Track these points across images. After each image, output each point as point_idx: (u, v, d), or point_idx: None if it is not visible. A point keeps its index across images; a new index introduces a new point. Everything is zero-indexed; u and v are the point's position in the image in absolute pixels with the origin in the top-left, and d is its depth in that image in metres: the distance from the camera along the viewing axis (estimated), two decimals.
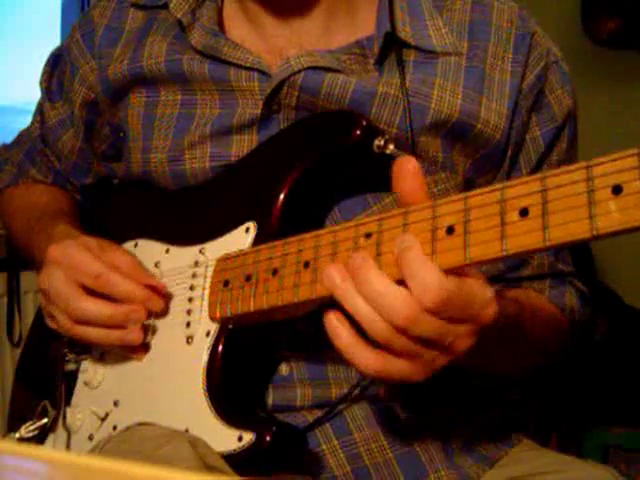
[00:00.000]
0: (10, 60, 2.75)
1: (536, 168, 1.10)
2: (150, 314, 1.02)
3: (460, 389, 1.08)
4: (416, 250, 0.76)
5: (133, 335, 1.01)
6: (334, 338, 0.80)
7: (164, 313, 1.03)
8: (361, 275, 0.77)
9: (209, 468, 0.87)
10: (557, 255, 1.14)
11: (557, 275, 1.14)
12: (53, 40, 2.61)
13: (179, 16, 1.11)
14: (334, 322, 0.80)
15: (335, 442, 1.01)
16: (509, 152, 1.08)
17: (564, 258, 1.16)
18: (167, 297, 1.03)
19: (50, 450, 1.06)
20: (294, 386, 1.01)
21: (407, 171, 0.80)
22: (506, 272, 1.12)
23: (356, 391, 1.00)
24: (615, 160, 0.66)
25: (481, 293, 0.77)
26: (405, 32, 1.05)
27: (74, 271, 1.00)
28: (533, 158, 1.10)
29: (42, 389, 1.16)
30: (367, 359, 0.79)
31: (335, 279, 0.79)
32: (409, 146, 1.03)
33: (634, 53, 2.76)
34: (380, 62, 1.05)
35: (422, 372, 0.80)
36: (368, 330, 0.78)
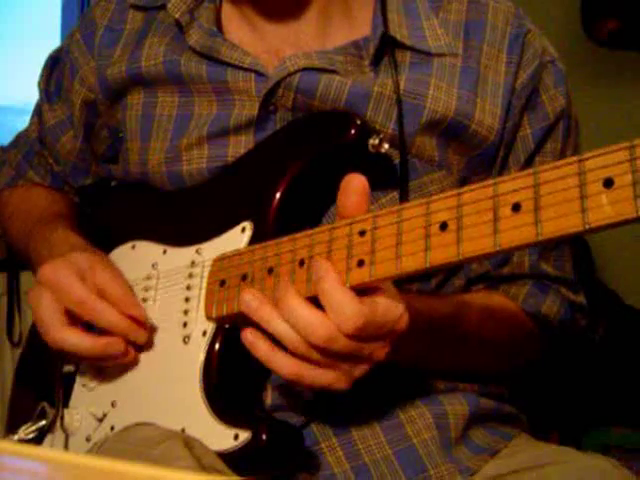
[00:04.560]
0: (10, 60, 2.75)
1: (524, 167, 1.09)
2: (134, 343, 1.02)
3: (454, 383, 1.09)
4: (330, 279, 0.82)
5: (119, 361, 1.02)
6: (253, 352, 0.87)
7: (160, 311, 1.03)
8: (283, 302, 0.84)
9: (205, 468, 0.87)
10: (542, 255, 1.14)
11: (540, 278, 1.14)
12: (53, 40, 2.61)
13: (177, 16, 1.11)
14: (250, 338, 0.87)
15: (334, 440, 1.01)
16: (501, 151, 1.08)
17: (557, 261, 1.16)
18: (151, 326, 1.03)
19: (49, 450, 1.06)
20: (291, 386, 1.01)
21: (353, 187, 0.84)
22: (491, 270, 1.13)
23: None
24: (606, 154, 0.66)
25: (393, 311, 0.83)
26: (401, 33, 1.06)
27: (60, 295, 1.00)
28: (521, 156, 1.10)
29: (41, 390, 1.16)
30: (284, 365, 0.86)
31: (251, 303, 0.87)
32: (406, 145, 1.03)
33: (634, 53, 2.76)
34: (376, 63, 1.06)
35: (343, 382, 0.86)
36: (288, 346, 0.85)
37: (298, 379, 0.86)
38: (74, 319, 1.01)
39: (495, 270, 1.12)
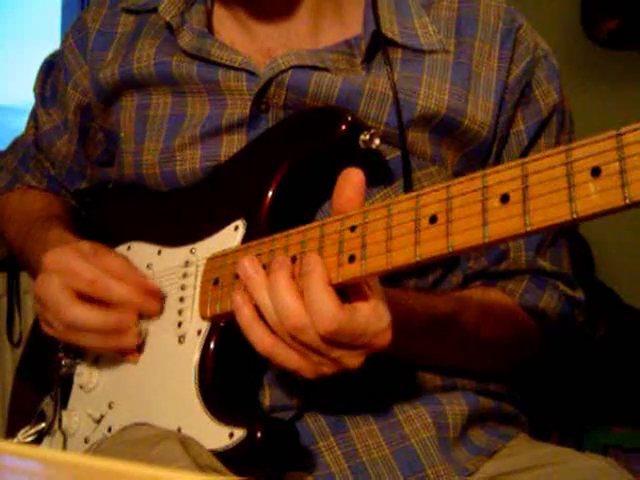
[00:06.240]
0: (10, 60, 2.76)
1: None
2: (142, 316, 1.03)
3: (453, 382, 1.09)
4: (317, 275, 0.82)
5: (128, 340, 1.01)
6: (237, 316, 0.88)
7: (157, 314, 1.04)
8: (272, 276, 0.84)
9: (202, 467, 0.87)
10: (539, 251, 1.13)
11: (537, 274, 1.14)
12: (53, 40, 2.61)
13: (168, 19, 1.11)
14: (238, 301, 0.88)
15: (332, 439, 1.01)
16: (495, 147, 1.08)
17: (554, 257, 1.16)
18: (162, 299, 1.04)
19: (49, 450, 1.06)
20: (290, 385, 1.01)
21: (350, 182, 0.84)
22: (489, 267, 1.13)
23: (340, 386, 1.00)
24: (593, 143, 0.66)
25: (374, 323, 0.82)
26: (392, 31, 1.06)
27: (69, 278, 1.00)
28: (516, 152, 1.10)
29: (41, 391, 1.17)
30: (260, 339, 0.86)
31: (248, 269, 0.87)
32: (398, 142, 1.03)
33: (634, 53, 2.76)
34: (367, 61, 1.06)
35: (309, 371, 0.87)
36: (266, 319, 0.85)
37: (270, 356, 0.86)
38: (84, 300, 1.01)
39: (492, 266, 1.12)
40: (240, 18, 1.11)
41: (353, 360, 0.85)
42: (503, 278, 1.13)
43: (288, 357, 0.86)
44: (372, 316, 0.82)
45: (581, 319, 1.19)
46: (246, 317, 0.87)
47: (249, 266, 0.87)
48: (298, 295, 0.82)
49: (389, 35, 1.06)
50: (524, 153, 1.10)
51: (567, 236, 1.18)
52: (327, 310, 0.80)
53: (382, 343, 0.83)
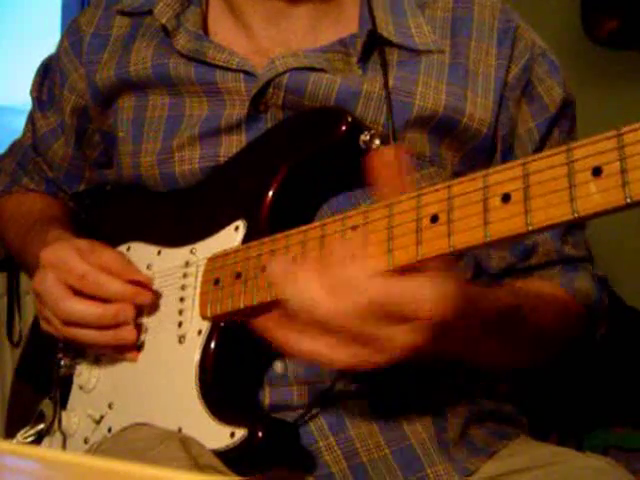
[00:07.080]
0: (10, 60, 2.76)
1: None
2: (141, 312, 1.03)
3: (453, 381, 1.08)
4: (340, 252, 0.78)
5: (126, 334, 1.02)
6: (266, 335, 0.83)
7: (155, 311, 1.04)
8: (299, 271, 0.79)
9: (202, 467, 0.87)
10: (563, 239, 1.12)
11: (568, 261, 1.12)
12: (53, 40, 2.61)
13: (163, 21, 1.12)
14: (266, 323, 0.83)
15: (331, 439, 1.01)
16: (499, 145, 1.08)
17: (575, 242, 1.14)
18: (156, 291, 1.04)
19: (49, 450, 1.06)
20: (290, 384, 1.01)
21: (385, 161, 0.81)
22: (517, 263, 1.11)
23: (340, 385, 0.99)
24: (594, 142, 0.66)
25: (418, 292, 0.76)
26: (387, 31, 1.06)
27: (63, 273, 1.01)
28: (529, 150, 1.09)
29: (41, 391, 1.17)
30: (300, 345, 0.81)
31: (279, 271, 0.81)
32: (396, 142, 1.03)
33: (634, 53, 2.76)
34: (363, 60, 1.06)
35: (361, 359, 0.80)
36: (299, 316, 0.80)
37: (315, 357, 0.81)
38: (79, 295, 1.01)
39: (522, 262, 1.11)
40: (239, 16, 1.12)
41: (405, 338, 0.77)
42: (537, 270, 1.11)
43: (332, 355, 0.80)
44: (413, 285, 0.76)
45: (607, 301, 1.17)
46: (282, 335, 0.83)
47: (280, 266, 0.82)
48: (322, 285, 0.78)
49: (385, 35, 1.06)
50: (538, 149, 1.09)
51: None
52: (356, 283, 0.76)
53: (431, 312, 0.75)
